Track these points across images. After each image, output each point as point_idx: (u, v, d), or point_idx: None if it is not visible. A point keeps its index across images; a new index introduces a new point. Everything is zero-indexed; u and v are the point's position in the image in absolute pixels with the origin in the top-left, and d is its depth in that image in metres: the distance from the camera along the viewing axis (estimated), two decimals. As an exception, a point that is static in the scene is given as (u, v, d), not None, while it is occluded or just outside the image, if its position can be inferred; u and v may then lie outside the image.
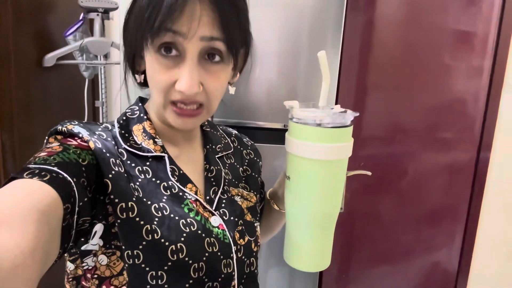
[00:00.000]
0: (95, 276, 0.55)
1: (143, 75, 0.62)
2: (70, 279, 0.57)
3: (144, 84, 0.66)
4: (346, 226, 1.71)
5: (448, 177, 1.81)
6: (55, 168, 0.46)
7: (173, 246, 0.54)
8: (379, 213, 1.75)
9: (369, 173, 1.53)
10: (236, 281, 0.62)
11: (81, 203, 0.47)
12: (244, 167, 0.77)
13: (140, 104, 0.65)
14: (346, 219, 1.69)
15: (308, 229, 0.59)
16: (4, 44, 1.19)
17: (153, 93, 0.59)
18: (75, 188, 0.46)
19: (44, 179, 0.43)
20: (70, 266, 0.57)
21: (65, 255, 0.55)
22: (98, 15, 1.43)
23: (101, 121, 1.57)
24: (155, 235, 0.53)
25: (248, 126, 1.33)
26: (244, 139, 0.82)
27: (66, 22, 1.44)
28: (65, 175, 0.46)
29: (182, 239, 0.55)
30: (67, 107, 1.55)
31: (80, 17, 1.42)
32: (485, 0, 1.65)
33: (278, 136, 1.32)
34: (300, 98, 1.32)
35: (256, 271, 0.68)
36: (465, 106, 1.75)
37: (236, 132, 0.83)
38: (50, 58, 1.35)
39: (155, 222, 0.54)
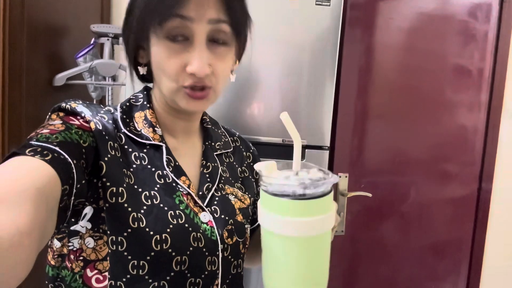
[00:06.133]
0: (80, 258, 0.54)
1: (146, 67, 0.63)
2: (56, 256, 0.56)
3: (145, 78, 0.67)
4: (347, 249, 1.69)
5: (451, 207, 1.79)
6: (57, 148, 0.46)
7: (158, 236, 0.54)
8: (381, 237, 1.73)
9: (370, 194, 1.54)
10: (220, 280, 0.61)
11: (78, 185, 0.48)
12: (243, 167, 0.77)
13: (145, 92, 0.66)
14: (347, 242, 1.67)
15: None
16: (18, 64, 1.25)
17: (161, 81, 0.59)
18: (74, 170, 0.47)
19: (46, 158, 0.44)
20: (56, 243, 0.56)
21: None
22: (108, 39, 1.50)
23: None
24: (141, 223, 0.53)
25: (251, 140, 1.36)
26: (248, 142, 0.83)
27: (78, 46, 1.51)
28: (66, 156, 0.46)
29: (168, 230, 0.55)
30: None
31: (92, 41, 1.50)
32: (480, 32, 1.70)
33: (276, 150, 1.36)
34: (301, 120, 1.36)
35: (242, 273, 0.67)
36: (465, 136, 1.76)
37: (239, 134, 0.83)
38: (60, 78, 1.41)
39: (142, 211, 0.54)
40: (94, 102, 1.58)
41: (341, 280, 1.71)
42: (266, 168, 0.49)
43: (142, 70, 0.64)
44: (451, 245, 1.82)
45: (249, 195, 0.73)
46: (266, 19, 1.33)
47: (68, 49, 1.52)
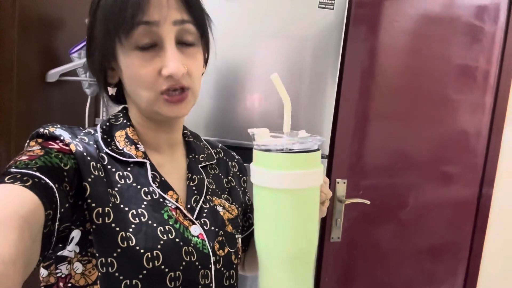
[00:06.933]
0: (69, 285, 0.53)
1: (115, 88, 0.63)
2: None
3: (116, 99, 0.67)
4: (343, 256, 1.67)
5: (450, 211, 1.77)
6: (37, 173, 0.45)
7: (149, 254, 0.53)
8: (378, 243, 1.71)
9: (368, 202, 1.51)
10: None
11: (62, 210, 0.47)
12: (229, 177, 0.76)
13: (124, 111, 0.66)
14: (344, 248, 1.65)
15: (280, 268, 0.53)
16: (8, 58, 1.21)
17: (138, 94, 0.58)
18: (57, 194, 0.46)
19: (26, 184, 0.43)
20: (43, 272, 0.55)
21: None
22: (104, 34, 1.46)
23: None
24: (130, 242, 0.52)
25: (246, 146, 1.33)
26: (232, 152, 0.83)
27: (72, 40, 1.46)
28: (47, 180, 0.45)
29: (159, 246, 0.54)
30: (68, 123, 1.54)
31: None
32: (486, 34, 1.67)
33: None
34: (300, 121, 1.32)
35: (236, 284, 0.66)
36: (467, 140, 1.74)
37: (222, 145, 0.83)
38: (54, 74, 1.36)
39: (131, 230, 0.53)
40: (89, 98, 1.55)
41: (336, 287, 1.69)
42: (258, 131, 0.51)
43: (111, 91, 0.63)
44: (449, 250, 1.81)
45: (236, 206, 0.73)
46: (266, 18, 1.29)
47: (62, 43, 1.47)
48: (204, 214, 0.64)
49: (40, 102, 1.39)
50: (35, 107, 1.36)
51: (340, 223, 1.57)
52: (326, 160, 1.37)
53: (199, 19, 0.59)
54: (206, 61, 0.69)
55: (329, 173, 1.55)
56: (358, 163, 1.62)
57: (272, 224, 0.51)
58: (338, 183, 1.56)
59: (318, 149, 0.51)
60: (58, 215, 0.46)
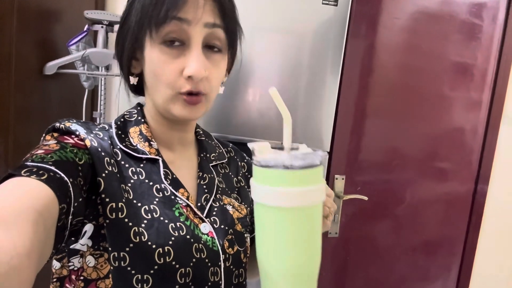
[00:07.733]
0: (81, 278, 0.54)
1: (137, 78, 0.64)
2: (54, 280, 0.56)
3: (137, 90, 0.67)
4: (340, 251, 1.68)
5: (445, 207, 1.79)
6: (53, 167, 0.46)
7: (160, 249, 0.54)
8: (375, 239, 1.72)
9: (366, 197, 1.52)
10: None
11: (76, 204, 0.47)
12: (239, 177, 0.77)
13: (139, 108, 0.66)
14: (341, 244, 1.66)
15: (283, 284, 0.50)
16: (6, 50, 1.19)
17: (156, 89, 0.59)
18: (71, 188, 0.46)
19: (42, 178, 0.43)
20: (56, 264, 0.56)
21: None
22: (102, 27, 1.44)
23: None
24: (142, 237, 0.53)
25: (246, 142, 1.33)
26: (242, 152, 0.83)
27: (71, 32, 1.45)
28: (62, 174, 0.46)
29: (170, 242, 0.55)
30: (65, 116, 1.52)
31: (85, 28, 1.43)
32: (484, 32, 1.67)
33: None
34: (298, 118, 1.32)
35: (245, 282, 0.67)
36: (463, 137, 1.75)
37: (233, 145, 0.83)
38: (52, 66, 1.35)
39: (143, 225, 0.54)
40: (86, 92, 1.53)
41: (333, 281, 1.71)
42: (258, 146, 0.50)
43: (133, 80, 0.63)
44: (444, 245, 1.83)
45: (245, 205, 0.74)
46: (268, 13, 1.28)
47: (60, 35, 1.45)
48: (214, 213, 0.64)
49: (38, 95, 1.37)
50: (33, 100, 1.34)
51: (338, 218, 1.58)
52: (327, 156, 1.37)
53: (231, 27, 0.60)
54: (229, 71, 0.69)
55: (328, 169, 1.56)
56: (356, 159, 1.63)
57: (273, 242, 0.50)
58: (336, 179, 1.57)
59: (320, 164, 0.49)
60: (72, 209, 0.47)
